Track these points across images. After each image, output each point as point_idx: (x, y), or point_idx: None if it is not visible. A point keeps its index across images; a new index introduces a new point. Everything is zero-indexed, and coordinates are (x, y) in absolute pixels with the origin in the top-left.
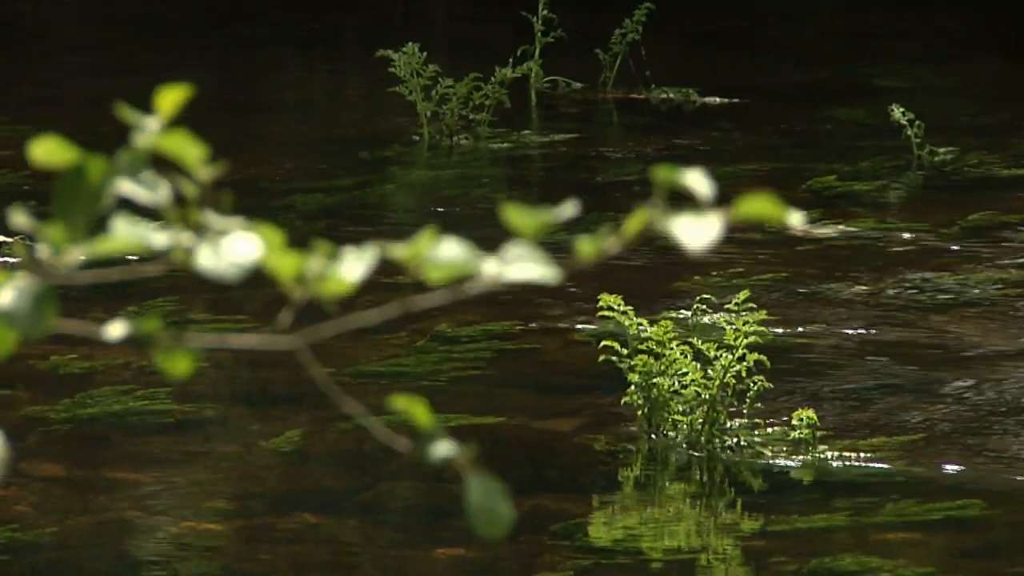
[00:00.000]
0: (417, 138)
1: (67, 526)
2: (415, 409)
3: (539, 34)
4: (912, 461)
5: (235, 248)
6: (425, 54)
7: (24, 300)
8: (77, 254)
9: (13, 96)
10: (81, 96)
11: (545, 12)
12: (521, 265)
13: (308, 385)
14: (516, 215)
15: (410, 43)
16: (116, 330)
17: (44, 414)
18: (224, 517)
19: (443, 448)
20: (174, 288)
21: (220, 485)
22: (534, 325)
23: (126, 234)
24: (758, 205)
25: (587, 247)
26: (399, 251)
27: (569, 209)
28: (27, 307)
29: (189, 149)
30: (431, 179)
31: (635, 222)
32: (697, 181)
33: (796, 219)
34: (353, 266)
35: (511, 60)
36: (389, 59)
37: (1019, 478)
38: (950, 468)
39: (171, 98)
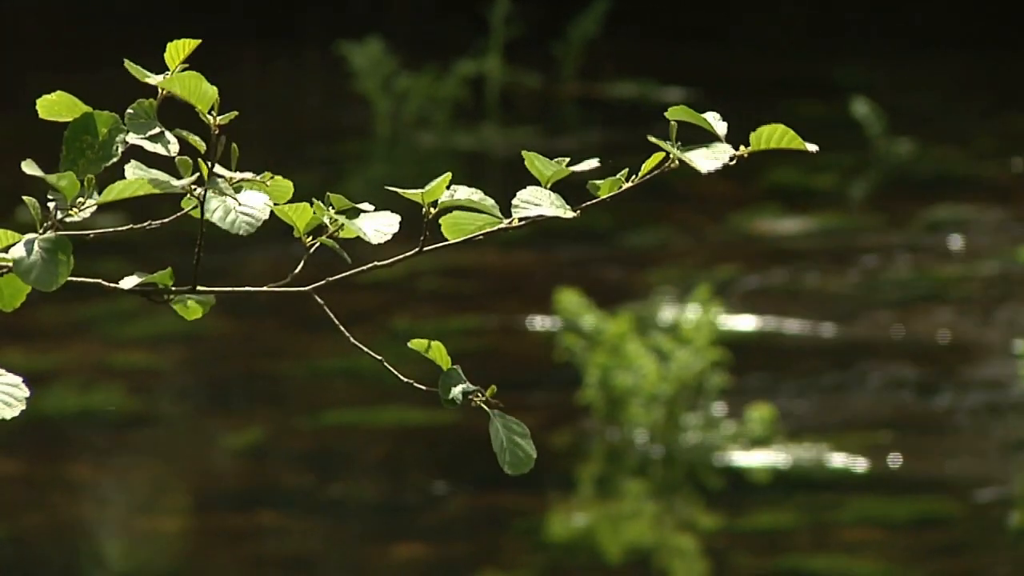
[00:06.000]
0: (375, 133)
1: (22, 524)
2: (433, 351)
3: (498, 28)
4: (875, 458)
5: (247, 202)
6: (385, 47)
7: (37, 253)
8: (88, 205)
9: None
10: (41, 91)
11: (505, 5)
12: (538, 205)
13: (267, 383)
14: (535, 161)
15: (370, 37)
16: (130, 282)
17: None
18: (183, 515)
19: (461, 387)
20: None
21: (179, 483)
22: (491, 321)
23: (138, 179)
24: (774, 134)
25: (604, 187)
26: (415, 195)
27: (591, 163)
28: (40, 260)
29: (202, 89)
30: (388, 176)
31: (652, 161)
32: (712, 118)
33: (812, 148)
34: (379, 226)
35: (469, 54)
36: (348, 54)
37: (983, 475)
38: (913, 465)
39: (180, 50)
